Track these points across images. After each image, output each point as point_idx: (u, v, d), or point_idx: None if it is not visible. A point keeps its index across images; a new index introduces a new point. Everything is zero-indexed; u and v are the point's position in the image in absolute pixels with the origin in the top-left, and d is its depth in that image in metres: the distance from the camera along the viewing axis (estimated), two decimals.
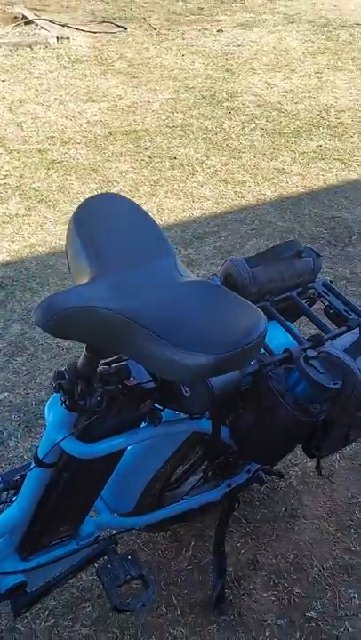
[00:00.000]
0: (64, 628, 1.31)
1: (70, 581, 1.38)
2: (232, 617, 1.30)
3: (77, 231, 0.94)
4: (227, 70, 4.55)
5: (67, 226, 0.99)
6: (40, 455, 1.00)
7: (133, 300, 0.81)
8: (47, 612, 1.34)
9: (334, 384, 0.99)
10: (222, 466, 1.35)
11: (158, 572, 1.39)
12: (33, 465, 1.02)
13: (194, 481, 1.40)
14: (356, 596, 1.33)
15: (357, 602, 1.32)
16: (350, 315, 1.22)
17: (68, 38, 5.03)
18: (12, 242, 2.64)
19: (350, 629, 1.28)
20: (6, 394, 1.94)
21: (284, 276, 1.23)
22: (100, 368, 0.94)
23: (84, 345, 0.87)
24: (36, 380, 1.97)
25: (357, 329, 1.13)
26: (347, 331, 1.18)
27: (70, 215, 2.98)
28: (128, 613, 1.32)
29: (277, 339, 1.17)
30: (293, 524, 1.48)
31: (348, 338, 1.12)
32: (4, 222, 2.76)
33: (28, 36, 5.22)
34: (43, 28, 5.28)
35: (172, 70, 4.53)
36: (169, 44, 5.05)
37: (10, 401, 1.91)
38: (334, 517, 1.49)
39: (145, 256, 0.92)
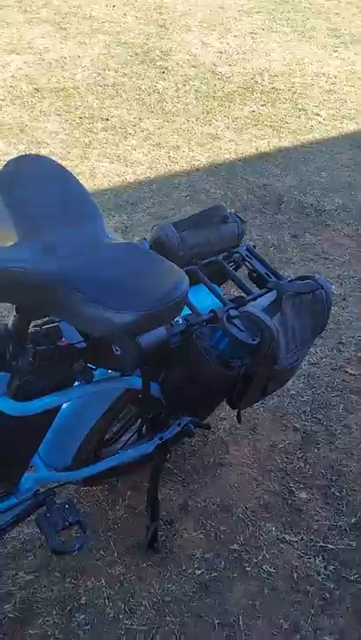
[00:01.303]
0: (8, 577, 1.46)
1: (12, 535, 1.53)
2: (165, 554, 1.51)
3: (1, 193, 0.97)
4: (161, 26, 4.59)
5: None
6: None
7: (61, 261, 0.88)
8: None
9: (253, 340, 1.17)
10: (154, 421, 1.52)
11: (97, 522, 1.57)
12: None
13: (128, 437, 1.57)
14: (273, 529, 1.58)
15: (274, 534, 1.57)
16: (270, 277, 1.41)
17: None
18: None
19: (267, 556, 1.52)
20: None
21: (210, 240, 1.37)
22: (32, 329, 1.02)
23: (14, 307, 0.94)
24: None
25: (275, 290, 1.32)
26: (266, 292, 1.36)
27: None
28: (68, 559, 1.50)
29: (204, 301, 1.34)
30: (221, 471, 1.70)
31: (267, 298, 1.30)
32: None
33: None
34: None
35: (103, 22, 4.51)
36: None
37: None
38: (257, 464, 1.73)
39: (72, 218, 0.98)
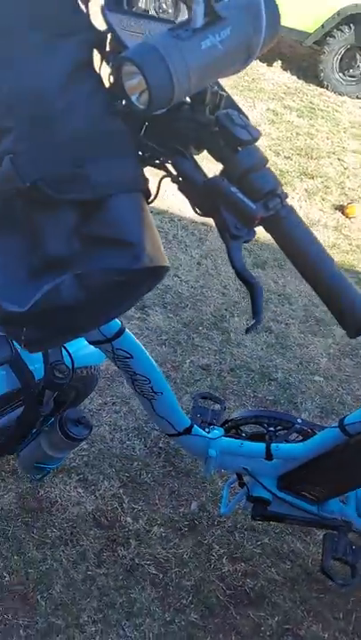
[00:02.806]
0: (264, 565, 1.79)
1: (288, 539, 1.84)
2: None
3: None
4: None
5: None
6: (346, 422, 1.38)
7: None
8: (259, 543, 1.83)
9: None
10: None
11: (357, 590, 1.74)
12: (335, 425, 1.40)
13: None
14: None
15: None
16: None
17: None
18: None
19: None
20: (322, 379, 2.47)
21: None
22: None
23: None
24: (351, 386, 2.44)
25: None
26: None
27: None
28: (311, 590, 1.73)
29: None
30: None
31: None
32: None
33: None
34: None
35: None
36: None
37: (321, 387, 2.43)
38: None
39: None
